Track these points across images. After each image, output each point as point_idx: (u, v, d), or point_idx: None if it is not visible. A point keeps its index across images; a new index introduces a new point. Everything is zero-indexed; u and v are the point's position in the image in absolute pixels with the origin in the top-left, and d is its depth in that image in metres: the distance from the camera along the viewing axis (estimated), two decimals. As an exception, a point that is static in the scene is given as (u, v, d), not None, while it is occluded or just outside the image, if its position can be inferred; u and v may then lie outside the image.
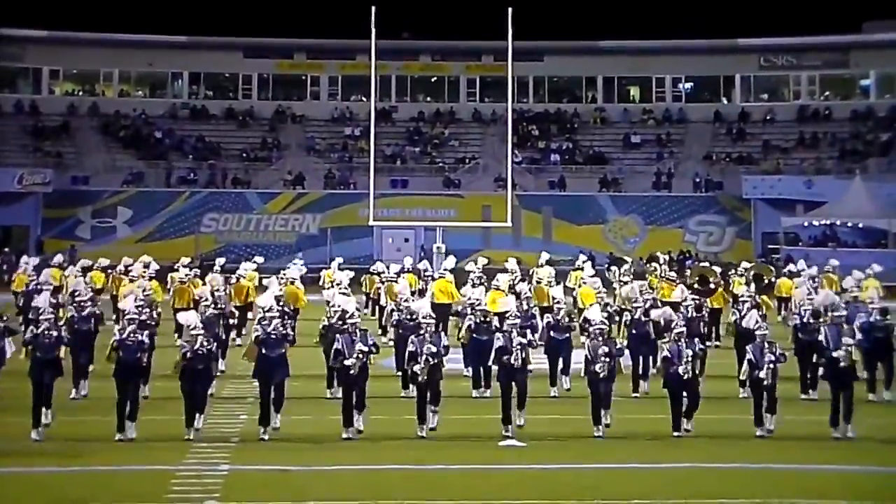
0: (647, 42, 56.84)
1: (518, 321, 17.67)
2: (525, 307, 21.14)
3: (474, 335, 20.36)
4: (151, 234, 50.88)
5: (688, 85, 59.36)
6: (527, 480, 14.58)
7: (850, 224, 47.10)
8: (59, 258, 31.50)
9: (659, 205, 52.28)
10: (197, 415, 16.48)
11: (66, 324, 20.25)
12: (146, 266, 28.11)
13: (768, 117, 57.25)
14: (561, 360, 20.61)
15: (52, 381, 16.55)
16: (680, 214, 52.06)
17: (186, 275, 27.64)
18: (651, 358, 20.30)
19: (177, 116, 57.74)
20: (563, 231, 50.98)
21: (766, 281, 29.81)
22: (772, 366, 16.72)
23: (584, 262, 30.69)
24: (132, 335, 16.71)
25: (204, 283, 26.43)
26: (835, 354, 17.06)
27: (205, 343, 16.53)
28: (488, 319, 20.73)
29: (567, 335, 20.57)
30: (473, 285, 24.21)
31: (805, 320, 20.55)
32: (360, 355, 16.45)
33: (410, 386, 20.00)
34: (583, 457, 15.71)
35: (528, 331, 18.03)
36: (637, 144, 56.66)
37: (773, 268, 33.49)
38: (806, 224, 48.50)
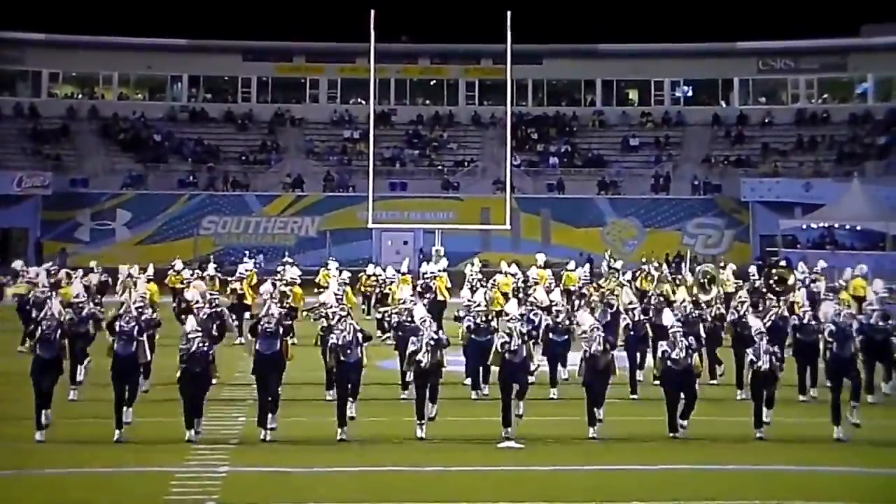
0: (646, 45, 57.01)
1: (518, 321, 17.57)
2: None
3: (473, 336, 20.43)
4: (150, 236, 50.95)
5: (686, 88, 59.54)
6: (525, 482, 14.61)
7: (847, 227, 47.17)
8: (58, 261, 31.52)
9: (657, 207, 52.39)
10: (195, 419, 16.34)
11: (68, 325, 20.39)
12: (143, 269, 28.12)
13: (766, 120, 57.38)
14: (559, 363, 20.70)
15: (51, 383, 16.37)
16: (678, 217, 52.17)
17: (188, 277, 27.85)
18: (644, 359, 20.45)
19: (176, 119, 57.84)
20: (562, 233, 51.08)
21: (788, 284, 29.68)
22: (769, 362, 16.63)
23: (573, 263, 31.41)
24: (125, 326, 16.72)
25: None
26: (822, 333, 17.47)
27: (202, 346, 16.44)
28: (487, 320, 20.84)
29: (566, 337, 20.62)
30: (472, 288, 24.37)
31: (804, 321, 20.57)
32: (352, 347, 16.52)
33: (409, 388, 20.10)
34: (581, 458, 15.73)
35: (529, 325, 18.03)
36: (635, 147, 56.76)
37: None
38: (804, 227, 48.55)
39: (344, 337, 16.61)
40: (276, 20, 62.55)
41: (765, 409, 16.79)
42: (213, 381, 17.37)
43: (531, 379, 17.67)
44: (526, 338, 17.04)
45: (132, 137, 56.21)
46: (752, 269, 29.71)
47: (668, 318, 18.44)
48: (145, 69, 58.49)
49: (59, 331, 16.82)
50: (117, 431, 16.21)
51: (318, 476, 14.79)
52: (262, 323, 16.82)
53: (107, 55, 56.98)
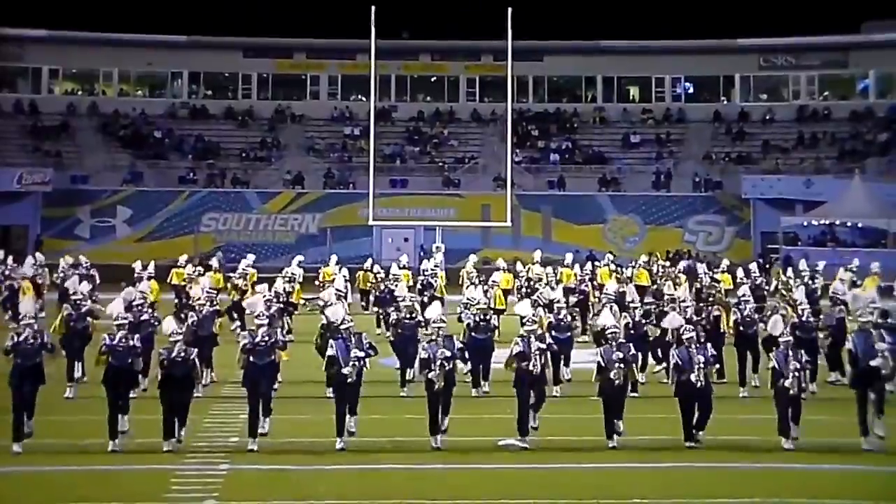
0: (647, 42, 56.89)
1: (535, 326, 16.79)
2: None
3: (472, 334, 20.39)
4: (151, 233, 50.87)
5: (687, 85, 59.41)
6: (527, 480, 14.57)
7: (849, 224, 47.06)
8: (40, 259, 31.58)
9: (658, 204, 52.28)
10: (178, 429, 15.84)
11: (61, 322, 20.33)
12: (144, 267, 28.08)
13: (768, 117, 57.29)
14: (562, 358, 20.63)
15: (33, 390, 15.80)
16: (679, 214, 52.06)
17: (190, 273, 27.90)
18: (644, 359, 20.31)
19: (176, 116, 57.75)
20: (563, 231, 50.97)
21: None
22: (797, 374, 15.92)
23: (570, 260, 31.74)
24: (122, 340, 16.16)
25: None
26: (872, 363, 16.23)
27: (183, 350, 15.95)
28: (487, 318, 20.81)
29: (568, 334, 20.53)
30: (474, 285, 24.38)
31: (804, 319, 20.53)
32: (357, 362, 15.85)
33: (408, 386, 20.06)
34: (583, 457, 15.69)
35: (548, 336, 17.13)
36: (636, 144, 56.68)
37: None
38: (805, 224, 48.45)
39: (349, 348, 15.92)
40: (277, 17, 62.36)
41: (791, 424, 16.09)
42: (198, 386, 16.90)
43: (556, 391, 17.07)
44: (543, 347, 16.27)
45: (132, 134, 56.13)
46: (753, 266, 29.60)
47: (676, 321, 18.19)
48: (145, 66, 58.39)
49: (40, 336, 16.09)
50: (111, 442, 15.67)
51: (317, 474, 14.76)
52: (255, 347, 16.19)
53: (107, 52, 56.86)
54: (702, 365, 16.06)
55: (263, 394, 16.19)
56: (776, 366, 16.17)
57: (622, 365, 16.18)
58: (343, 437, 15.91)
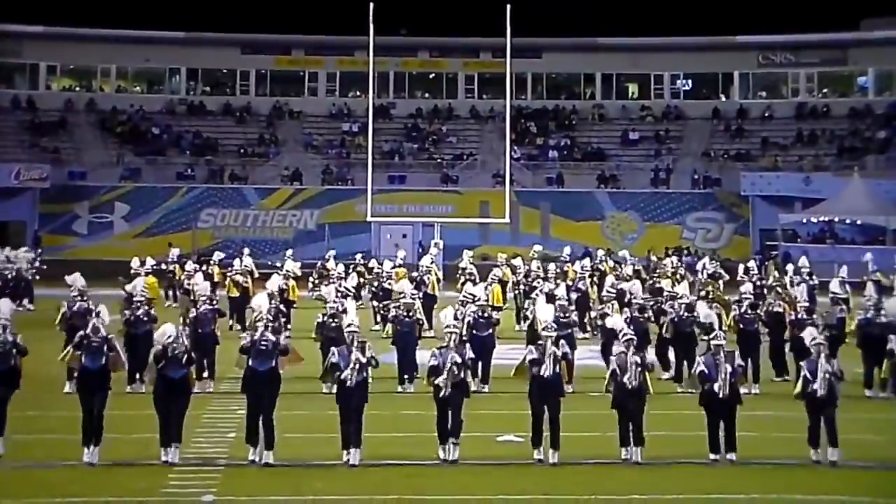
0: (646, 39, 56.90)
1: (555, 332, 16.11)
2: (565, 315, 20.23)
3: (473, 331, 20.32)
4: (149, 229, 50.82)
5: (686, 82, 59.37)
6: (526, 476, 14.55)
7: (848, 221, 47.06)
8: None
9: (657, 201, 52.28)
10: (173, 442, 14.89)
11: (60, 320, 20.27)
12: (142, 263, 28.01)
13: (767, 114, 57.29)
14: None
15: (4, 395, 15.06)
16: (678, 211, 52.06)
17: (190, 270, 27.90)
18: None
19: (174, 112, 57.71)
20: (561, 227, 50.93)
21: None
22: (826, 381, 15.03)
23: (567, 254, 32.08)
24: (93, 340, 15.25)
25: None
26: None
27: (181, 347, 15.10)
28: (486, 315, 20.75)
29: (568, 331, 20.44)
30: (473, 282, 24.34)
31: (799, 317, 20.52)
32: (356, 365, 15.07)
33: (406, 383, 20.04)
34: (581, 452, 15.62)
35: (564, 341, 16.28)
36: (635, 141, 56.67)
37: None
38: (804, 221, 48.46)
39: (351, 353, 15.21)
40: (275, 13, 62.31)
41: (829, 448, 15.17)
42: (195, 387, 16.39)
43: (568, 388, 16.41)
44: (558, 353, 15.55)
45: (130, 130, 56.08)
46: (752, 264, 29.55)
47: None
48: (143, 62, 58.33)
49: (13, 337, 15.31)
50: (86, 450, 14.81)
51: (315, 470, 14.73)
52: (256, 346, 15.44)
53: (105, 48, 56.81)
54: (728, 375, 15.26)
55: (264, 410, 15.15)
56: (807, 375, 15.37)
57: (639, 368, 15.41)
58: (349, 451, 14.98)
